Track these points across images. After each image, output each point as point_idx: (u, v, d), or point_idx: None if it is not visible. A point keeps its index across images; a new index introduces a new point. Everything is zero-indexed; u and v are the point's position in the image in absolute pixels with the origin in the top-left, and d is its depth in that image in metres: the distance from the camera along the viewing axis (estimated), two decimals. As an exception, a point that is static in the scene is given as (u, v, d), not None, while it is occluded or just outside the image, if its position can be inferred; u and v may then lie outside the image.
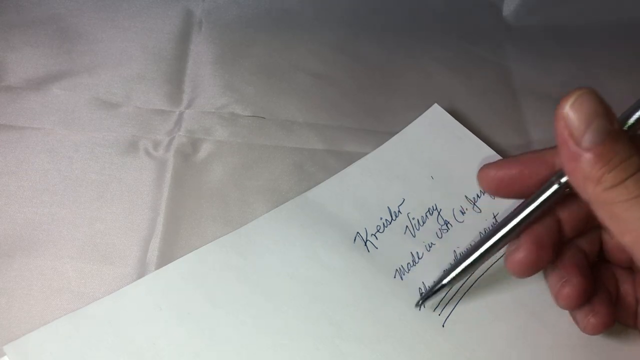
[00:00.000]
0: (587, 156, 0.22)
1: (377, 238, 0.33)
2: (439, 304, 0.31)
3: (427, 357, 0.29)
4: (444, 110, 0.39)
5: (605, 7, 0.48)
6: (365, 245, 0.33)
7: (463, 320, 0.30)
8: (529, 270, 0.26)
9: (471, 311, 0.31)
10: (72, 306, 0.29)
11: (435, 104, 0.40)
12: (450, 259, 0.33)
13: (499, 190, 0.27)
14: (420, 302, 0.30)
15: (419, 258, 0.33)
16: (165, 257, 0.32)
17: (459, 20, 0.48)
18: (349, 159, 0.37)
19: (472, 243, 0.29)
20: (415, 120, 0.39)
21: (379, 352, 0.29)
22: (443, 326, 0.30)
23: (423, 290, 0.31)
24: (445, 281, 0.29)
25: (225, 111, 0.39)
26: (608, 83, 0.43)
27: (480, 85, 0.43)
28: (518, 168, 0.26)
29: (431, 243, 0.33)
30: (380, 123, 0.40)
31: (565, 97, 0.22)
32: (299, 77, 0.42)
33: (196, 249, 0.32)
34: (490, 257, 0.27)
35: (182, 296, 0.30)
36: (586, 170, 0.22)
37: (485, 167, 0.27)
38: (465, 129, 0.38)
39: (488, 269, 0.32)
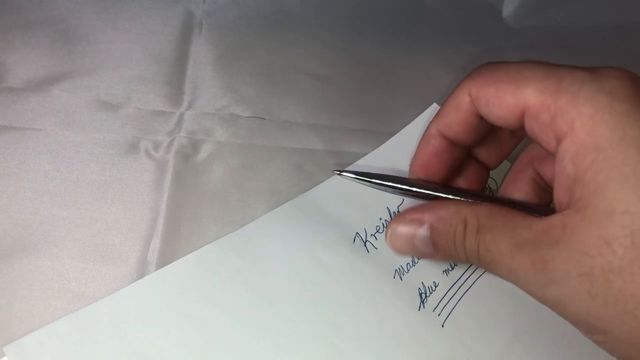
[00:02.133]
0: (440, 258, 0.26)
1: (376, 238, 0.33)
2: (439, 304, 0.31)
3: (426, 357, 0.29)
4: None
5: (605, 8, 0.48)
6: (365, 245, 0.33)
7: (463, 320, 0.30)
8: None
9: (471, 311, 0.31)
10: (72, 306, 0.29)
11: (434, 104, 0.40)
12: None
13: (428, 177, 0.28)
14: (337, 172, 0.29)
15: (418, 258, 0.33)
16: (166, 258, 0.32)
17: (459, 20, 0.48)
18: (349, 159, 0.37)
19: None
20: (414, 120, 0.39)
21: (378, 352, 0.29)
22: (443, 326, 0.30)
23: (422, 291, 0.31)
24: (373, 180, 0.28)
25: (225, 112, 0.39)
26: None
27: (480, 85, 0.43)
28: (423, 154, 0.28)
29: (431, 243, 0.33)
30: (380, 123, 0.40)
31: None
32: (299, 78, 0.42)
33: (196, 249, 0.32)
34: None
35: (182, 297, 0.30)
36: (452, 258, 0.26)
37: (410, 165, 0.29)
38: None
39: (488, 269, 0.33)
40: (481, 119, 0.25)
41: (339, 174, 0.29)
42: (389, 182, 0.28)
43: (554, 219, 0.21)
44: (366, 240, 0.33)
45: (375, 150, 0.37)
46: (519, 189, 0.27)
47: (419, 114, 0.40)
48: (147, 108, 0.39)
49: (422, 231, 0.26)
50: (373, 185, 0.29)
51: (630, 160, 0.19)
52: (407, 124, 0.39)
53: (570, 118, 0.20)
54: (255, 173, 0.36)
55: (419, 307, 0.31)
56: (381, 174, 0.29)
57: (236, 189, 0.35)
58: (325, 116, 0.40)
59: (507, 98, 0.22)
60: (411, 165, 0.29)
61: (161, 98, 0.40)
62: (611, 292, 0.19)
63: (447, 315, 0.30)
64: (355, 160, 0.37)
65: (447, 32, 0.47)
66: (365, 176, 0.29)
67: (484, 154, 0.29)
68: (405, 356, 0.29)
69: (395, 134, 0.38)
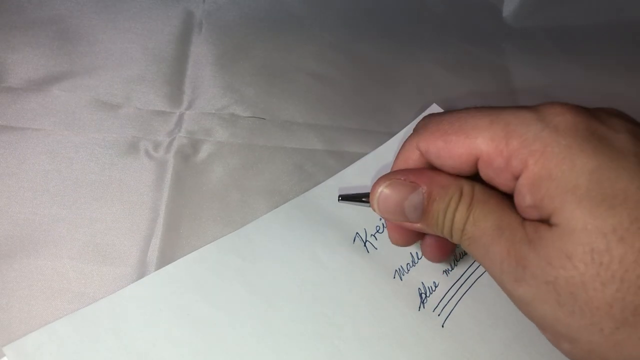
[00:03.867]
0: (417, 227, 0.26)
1: (376, 239, 0.33)
2: (439, 304, 0.31)
3: (426, 357, 0.29)
4: (443, 110, 0.39)
5: (605, 8, 0.48)
6: (365, 245, 0.33)
7: (463, 320, 0.30)
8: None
9: (471, 311, 0.31)
10: (72, 307, 0.29)
11: (434, 104, 0.40)
12: (450, 260, 0.33)
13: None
14: (340, 197, 0.30)
15: (418, 258, 0.33)
16: (166, 258, 0.32)
17: (459, 20, 0.48)
18: (349, 159, 0.37)
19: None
20: (414, 120, 0.39)
21: (378, 352, 0.29)
22: (443, 326, 0.30)
23: (422, 291, 0.31)
24: (341, 195, 0.30)
25: (225, 112, 0.39)
26: (608, 83, 0.43)
27: (480, 85, 0.43)
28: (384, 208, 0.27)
29: (431, 243, 0.33)
30: (380, 123, 0.40)
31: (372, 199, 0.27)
32: (299, 77, 0.42)
33: (196, 249, 0.32)
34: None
35: (182, 297, 0.30)
36: (436, 231, 0.25)
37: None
38: None
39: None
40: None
41: (341, 200, 0.30)
42: None
43: (533, 224, 0.22)
44: (366, 240, 0.33)
45: (375, 151, 0.37)
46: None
47: (419, 114, 0.39)
48: (147, 108, 0.39)
49: (416, 195, 0.25)
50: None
51: (582, 185, 0.20)
52: (407, 123, 0.39)
53: (523, 158, 0.21)
54: (255, 173, 0.36)
55: (419, 307, 0.31)
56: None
57: (236, 189, 0.35)
58: (325, 116, 0.40)
59: (457, 149, 0.23)
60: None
61: (161, 98, 0.40)
62: (577, 304, 0.20)
63: (447, 316, 0.30)
64: (355, 160, 0.37)
65: (447, 32, 0.47)
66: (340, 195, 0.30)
67: None
68: (405, 356, 0.29)
69: (394, 134, 0.38)
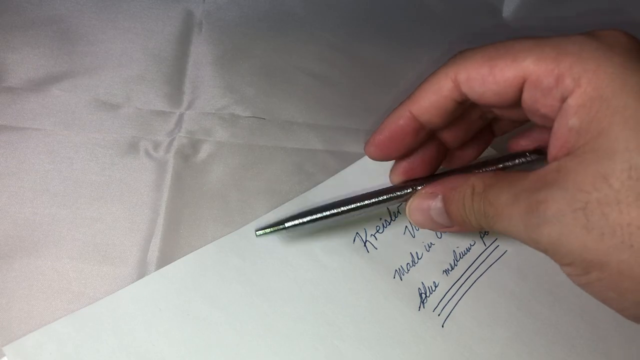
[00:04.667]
0: (455, 229, 0.28)
1: (376, 238, 0.33)
2: (439, 304, 0.31)
3: (426, 357, 0.29)
4: None
5: (604, 8, 0.48)
6: (365, 245, 0.33)
7: (462, 320, 0.30)
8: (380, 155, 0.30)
9: (471, 311, 0.31)
10: (72, 307, 0.29)
11: None
12: (450, 259, 0.33)
13: (382, 155, 0.30)
14: (257, 230, 0.30)
15: (418, 258, 0.33)
16: (166, 258, 0.32)
17: (459, 20, 0.48)
18: (349, 159, 0.37)
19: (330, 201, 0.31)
20: None
21: (378, 352, 0.29)
22: (442, 326, 0.30)
23: (422, 291, 0.31)
24: (287, 224, 0.30)
25: (225, 112, 0.39)
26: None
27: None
28: (387, 130, 0.29)
29: (430, 243, 0.33)
30: (380, 123, 0.40)
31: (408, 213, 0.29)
32: (299, 77, 0.42)
33: (196, 249, 0.32)
34: (335, 221, 0.31)
35: (182, 297, 0.30)
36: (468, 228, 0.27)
37: (368, 140, 0.30)
38: None
39: (487, 269, 0.33)
40: (459, 104, 0.26)
41: (261, 233, 0.31)
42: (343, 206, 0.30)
43: (549, 166, 0.22)
44: (366, 241, 0.33)
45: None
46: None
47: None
48: (147, 108, 0.39)
49: (436, 202, 0.28)
50: (322, 220, 0.30)
51: (631, 105, 0.20)
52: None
53: (577, 75, 0.21)
54: (255, 173, 0.36)
55: (419, 307, 0.31)
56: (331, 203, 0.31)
57: (236, 189, 0.35)
58: (325, 116, 0.40)
59: (504, 73, 0.23)
60: (370, 139, 0.29)
61: (161, 98, 0.40)
62: (607, 224, 0.20)
63: (447, 315, 0.31)
64: (355, 161, 0.37)
65: (447, 32, 0.47)
66: (308, 215, 0.30)
67: (448, 135, 0.29)
68: (405, 356, 0.29)
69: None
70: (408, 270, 0.32)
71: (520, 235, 0.23)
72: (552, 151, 0.23)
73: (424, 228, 0.30)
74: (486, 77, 0.24)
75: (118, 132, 0.37)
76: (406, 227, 0.34)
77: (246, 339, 0.29)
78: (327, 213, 0.30)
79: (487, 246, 0.33)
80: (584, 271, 0.22)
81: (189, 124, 0.38)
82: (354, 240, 0.33)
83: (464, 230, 0.29)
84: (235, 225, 0.33)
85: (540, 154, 0.29)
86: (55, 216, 0.33)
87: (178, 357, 0.28)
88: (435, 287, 0.32)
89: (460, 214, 0.27)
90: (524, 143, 0.30)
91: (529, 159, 0.29)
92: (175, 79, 0.41)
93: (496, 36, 0.47)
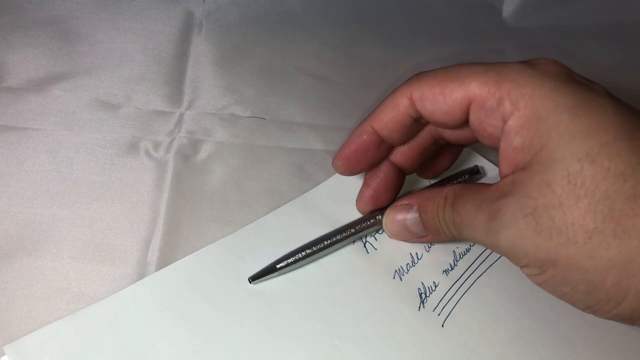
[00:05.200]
0: (429, 238, 0.31)
1: (376, 239, 0.33)
2: (439, 304, 0.31)
3: (426, 357, 0.29)
4: None
5: (604, 8, 0.48)
6: (365, 246, 0.33)
7: (463, 320, 0.30)
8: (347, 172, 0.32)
9: (471, 311, 0.31)
10: (72, 307, 0.29)
11: None
12: (449, 259, 0.33)
13: (348, 169, 0.31)
14: (250, 279, 0.30)
15: (418, 259, 0.33)
16: (166, 258, 0.32)
17: (459, 21, 0.48)
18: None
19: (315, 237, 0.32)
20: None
21: (378, 352, 0.29)
22: (442, 326, 0.30)
23: (422, 291, 0.31)
24: (278, 265, 0.31)
25: (225, 112, 0.39)
26: (607, 83, 0.43)
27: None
28: (352, 145, 0.30)
29: (430, 243, 0.33)
30: (380, 124, 0.40)
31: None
32: (299, 77, 0.42)
33: (196, 250, 0.32)
34: (324, 254, 0.32)
35: (182, 297, 0.30)
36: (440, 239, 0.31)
37: (335, 156, 0.31)
38: None
39: (487, 269, 0.33)
40: (414, 120, 0.28)
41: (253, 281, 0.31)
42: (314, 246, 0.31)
43: (506, 179, 0.25)
44: (366, 241, 0.33)
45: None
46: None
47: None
48: (147, 108, 0.39)
49: (412, 213, 0.30)
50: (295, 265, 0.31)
51: (564, 121, 0.23)
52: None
53: (514, 100, 0.24)
54: (255, 173, 0.36)
55: (419, 307, 0.31)
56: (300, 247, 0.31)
57: (236, 189, 0.35)
58: (325, 116, 0.40)
59: (452, 94, 0.26)
60: (337, 154, 0.31)
61: (161, 98, 0.40)
62: (554, 225, 0.22)
63: (447, 315, 0.31)
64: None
65: (447, 32, 0.47)
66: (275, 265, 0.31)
67: (401, 157, 0.31)
68: (405, 356, 0.29)
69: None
70: (408, 271, 0.32)
71: (483, 240, 0.26)
72: (502, 169, 0.25)
73: (399, 239, 0.32)
74: (438, 96, 0.26)
75: (118, 132, 0.37)
76: (406, 227, 0.34)
77: (246, 339, 0.29)
78: (302, 254, 0.31)
79: (487, 246, 0.34)
80: (540, 270, 0.24)
81: (189, 124, 0.38)
82: (354, 241, 0.33)
83: (437, 240, 0.32)
84: (235, 226, 0.33)
85: (477, 173, 0.35)
86: (55, 216, 0.33)
87: (178, 357, 0.28)
88: (435, 287, 0.32)
89: (434, 222, 0.29)
90: None
91: (466, 177, 0.34)
92: (175, 79, 0.41)
93: (496, 36, 0.47)
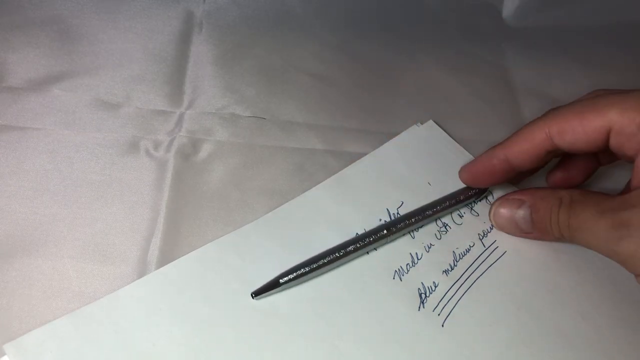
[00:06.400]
0: (534, 236, 0.33)
1: (376, 238, 0.33)
2: (439, 304, 0.31)
3: (426, 357, 0.29)
4: (439, 127, 0.40)
5: (604, 8, 0.48)
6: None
7: (463, 320, 0.30)
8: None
9: (471, 311, 0.31)
10: (72, 306, 0.29)
11: (431, 121, 0.40)
12: (449, 260, 0.33)
13: (474, 182, 0.34)
14: (253, 294, 0.30)
15: (418, 259, 0.33)
16: (166, 257, 0.32)
17: (459, 21, 0.48)
18: (349, 159, 0.37)
19: (320, 252, 0.32)
20: (411, 128, 0.39)
21: (378, 352, 0.29)
22: (442, 326, 0.30)
23: (422, 291, 0.31)
24: (281, 280, 0.30)
25: (225, 112, 0.39)
26: (607, 83, 0.43)
27: (480, 85, 0.43)
28: (481, 165, 0.33)
29: (430, 244, 0.33)
30: (380, 123, 0.40)
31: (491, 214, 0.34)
32: (299, 77, 0.42)
33: (196, 249, 0.32)
34: (329, 268, 0.31)
35: (182, 296, 0.30)
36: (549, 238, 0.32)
37: (462, 167, 0.34)
38: (458, 145, 0.38)
39: (487, 269, 0.33)
40: (548, 152, 0.30)
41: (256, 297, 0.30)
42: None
43: (634, 192, 0.27)
44: (366, 240, 0.33)
45: (375, 151, 0.37)
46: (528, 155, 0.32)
47: (418, 115, 0.40)
48: (147, 107, 0.39)
49: (523, 210, 0.32)
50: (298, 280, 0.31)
51: None
52: (407, 124, 0.39)
53: None
54: (255, 173, 0.36)
55: (419, 308, 0.31)
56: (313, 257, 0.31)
57: (236, 188, 0.35)
58: (325, 116, 0.40)
59: (591, 124, 0.28)
60: (466, 167, 0.34)
61: (161, 97, 0.40)
62: None
63: (447, 315, 0.31)
64: (355, 160, 0.37)
65: (447, 32, 0.47)
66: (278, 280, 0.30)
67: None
68: (405, 356, 0.29)
69: (395, 134, 0.39)
70: (408, 271, 0.32)
71: (600, 246, 0.27)
72: (634, 182, 0.27)
73: (504, 231, 0.34)
74: (576, 127, 0.28)
75: (118, 132, 0.37)
76: (406, 227, 0.34)
77: (246, 338, 0.29)
78: (314, 265, 0.31)
79: (486, 247, 0.33)
80: None
81: (189, 123, 0.38)
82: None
83: (541, 239, 0.33)
84: (235, 225, 0.33)
85: (483, 192, 0.35)
86: (55, 216, 0.33)
87: (178, 356, 0.28)
88: (435, 287, 0.32)
89: (544, 222, 0.30)
90: (559, 175, 0.35)
91: (474, 195, 0.35)
92: (175, 79, 0.41)
93: (496, 36, 0.47)
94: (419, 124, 0.39)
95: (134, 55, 0.42)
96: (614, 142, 0.28)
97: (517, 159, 0.31)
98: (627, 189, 0.30)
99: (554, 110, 0.30)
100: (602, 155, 0.33)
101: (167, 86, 0.40)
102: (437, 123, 0.40)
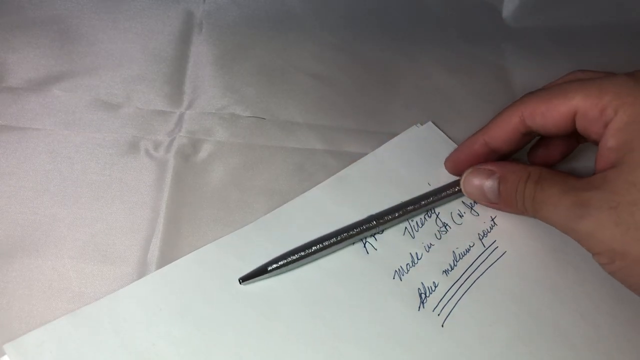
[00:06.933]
0: (498, 206, 0.34)
1: (376, 239, 0.33)
2: (439, 304, 0.31)
3: (426, 357, 0.29)
4: (438, 129, 0.40)
5: (604, 8, 0.48)
6: (365, 246, 0.33)
7: (462, 320, 0.30)
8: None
9: (471, 311, 0.31)
10: (72, 306, 0.29)
11: (430, 122, 0.40)
12: (449, 260, 0.33)
13: (458, 170, 0.35)
14: (241, 280, 0.30)
15: (418, 259, 0.33)
16: (166, 258, 0.32)
17: (459, 21, 0.48)
18: (349, 159, 0.37)
19: (309, 239, 0.32)
20: (410, 129, 0.39)
21: (378, 353, 0.29)
22: (442, 326, 0.30)
23: (422, 291, 0.31)
24: (269, 268, 0.31)
25: (225, 112, 0.39)
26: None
27: (480, 85, 0.43)
28: (462, 152, 0.35)
29: (430, 244, 0.33)
30: (380, 123, 0.40)
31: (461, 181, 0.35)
32: (299, 78, 0.42)
33: (196, 249, 0.32)
34: (318, 256, 0.32)
35: (182, 296, 0.30)
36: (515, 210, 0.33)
37: (447, 157, 0.36)
38: (457, 146, 0.38)
39: (487, 269, 0.33)
40: (523, 135, 0.32)
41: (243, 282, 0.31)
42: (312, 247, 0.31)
43: (597, 175, 0.28)
44: (366, 241, 0.33)
45: (375, 151, 0.37)
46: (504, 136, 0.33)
47: (418, 115, 0.40)
48: (147, 108, 0.39)
49: (492, 180, 0.33)
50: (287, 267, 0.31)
51: None
52: (407, 124, 0.39)
53: (616, 108, 0.27)
54: (255, 173, 0.36)
55: (419, 308, 0.31)
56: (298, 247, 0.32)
57: (236, 189, 0.35)
58: (325, 116, 0.40)
59: (559, 108, 0.29)
60: (450, 157, 0.36)
61: (161, 98, 0.40)
62: (633, 220, 0.25)
63: (447, 315, 0.31)
64: (355, 160, 0.37)
65: (447, 32, 0.47)
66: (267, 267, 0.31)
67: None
68: (405, 356, 0.29)
69: (395, 134, 0.39)
70: (408, 271, 0.32)
71: (560, 223, 0.28)
72: (597, 166, 0.28)
73: (471, 198, 0.35)
74: (546, 112, 0.30)
75: (118, 132, 0.37)
76: (405, 228, 0.34)
77: (245, 338, 0.29)
78: (302, 253, 0.31)
79: (486, 247, 0.34)
80: (609, 260, 0.27)
81: (189, 123, 0.38)
82: (353, 243, 0.33)
83: (505, 210, 0.34)
84: (235, 225, 0.33)
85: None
86: (55, 216, 0.33)
87: (177, 356, 0.28)
88: (435, 287, 0.32)
89: (511, 194, 0.32)
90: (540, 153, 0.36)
91: (457, 189, 0.35)
92: (175, 79, 0.41)
93: (496, 36, 0.47)
94: (418, 124, 0.40)
95: (133, 55, 0.42)
96: (579, 126, 0.29)
97: (496, 142, 0.33)
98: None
99: (529, 95, 0.31)
100: (578, 135, 0.34)
101: (167, 86, 0.40)
102: (437, 123, 0.40)
